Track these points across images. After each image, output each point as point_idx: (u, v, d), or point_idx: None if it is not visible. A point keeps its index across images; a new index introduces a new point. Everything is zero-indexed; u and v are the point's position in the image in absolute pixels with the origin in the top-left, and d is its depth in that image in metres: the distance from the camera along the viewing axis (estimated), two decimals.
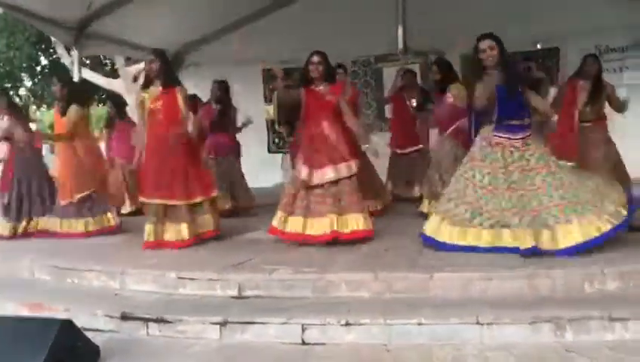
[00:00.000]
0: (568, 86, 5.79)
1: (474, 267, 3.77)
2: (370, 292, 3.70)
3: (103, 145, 7.36)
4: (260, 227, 5.39)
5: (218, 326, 3.42)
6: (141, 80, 7.79)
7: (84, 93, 6.84)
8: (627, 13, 7.70)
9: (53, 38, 11.88)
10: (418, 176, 6.72)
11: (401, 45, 7.57)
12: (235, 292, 3.85)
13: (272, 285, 3.83)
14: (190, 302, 3.81)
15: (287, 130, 6.99)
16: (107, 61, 15.88)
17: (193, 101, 6.62)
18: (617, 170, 5.54)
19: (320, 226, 4.67)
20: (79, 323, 3.22)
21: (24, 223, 5.99)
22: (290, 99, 4.95)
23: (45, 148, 8.53)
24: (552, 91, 5.85)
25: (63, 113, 5.79)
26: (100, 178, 6.08)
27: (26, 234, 5.96)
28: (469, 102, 4.52)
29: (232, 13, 8.66)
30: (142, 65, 10.63)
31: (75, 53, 7.40)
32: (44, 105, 16.91)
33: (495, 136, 4.30)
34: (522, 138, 4.26)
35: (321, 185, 4.74)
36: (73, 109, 5.76)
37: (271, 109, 9.23)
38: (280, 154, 9.89)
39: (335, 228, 4.61)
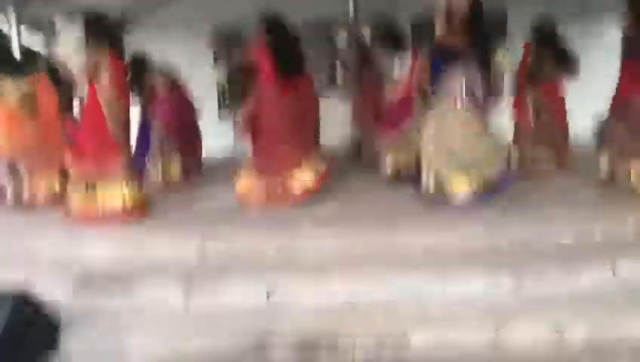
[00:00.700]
0: None
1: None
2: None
3: None
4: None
5: (182, 290, 3.38)
6: None
7: None
8: None
9: None
10: None
11: (352, 7, 7.52)
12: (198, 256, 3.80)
13: (237, 246, 3.80)
14: (153, 267, 3.73)
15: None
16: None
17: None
18: None
19: None
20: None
21: None
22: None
23: None
24: None
25: None
26: None
27: None
28: None
29: None
30: None
31: (12, 15, 6.91)
32: None
33: None
34: None
35: None
36: None
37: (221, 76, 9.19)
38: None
39: None
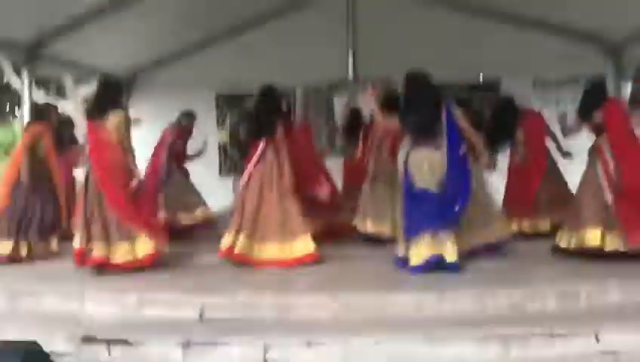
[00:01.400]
0: None
1: None
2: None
3: None
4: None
5: (181, 347, 3.47)
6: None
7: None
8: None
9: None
10: None
11: (351, 72, 7.84)
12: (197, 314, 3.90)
13: (235, 307, 3.92)
14: (152, 324, 3.84)
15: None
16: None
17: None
18: None
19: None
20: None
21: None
22: None
23: None
24: None
25: None
26: None
27: None
28: None
29: (186, 39, 8.72)
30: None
31: (25, 74, 7.25)
32: None
33: None
34: None
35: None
36: None
37: (224, 134, 9.47)
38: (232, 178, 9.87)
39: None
